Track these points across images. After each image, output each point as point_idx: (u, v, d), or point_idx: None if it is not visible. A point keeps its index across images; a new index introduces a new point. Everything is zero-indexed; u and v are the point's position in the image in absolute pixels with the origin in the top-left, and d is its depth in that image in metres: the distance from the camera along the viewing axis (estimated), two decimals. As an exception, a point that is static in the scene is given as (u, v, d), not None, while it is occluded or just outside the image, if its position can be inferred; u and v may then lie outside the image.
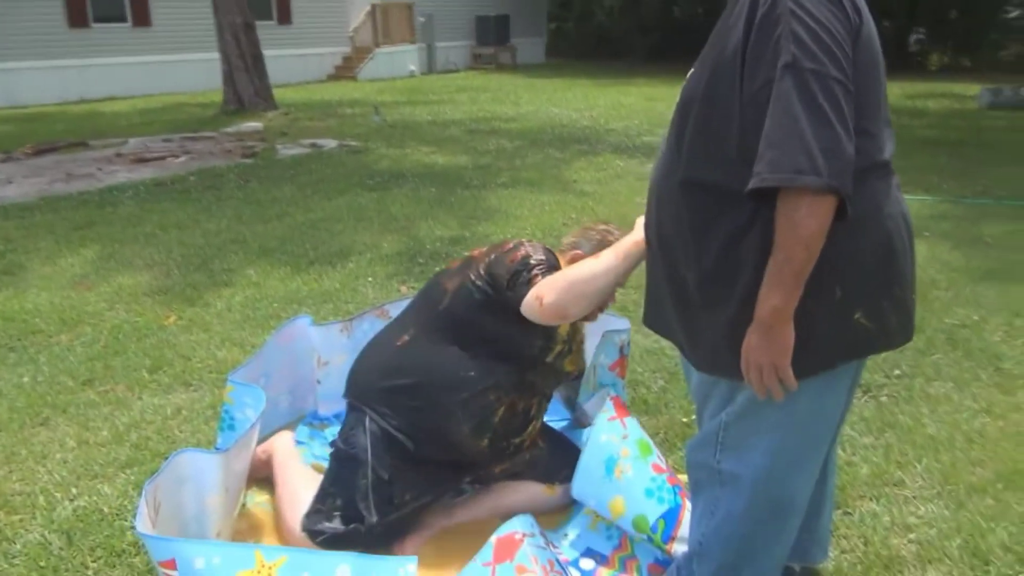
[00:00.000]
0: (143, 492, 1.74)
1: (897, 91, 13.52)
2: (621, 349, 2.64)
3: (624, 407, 2.26)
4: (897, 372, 3.04)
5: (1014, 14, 19.95)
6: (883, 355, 3.14)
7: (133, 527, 1.99)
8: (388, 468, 2.04)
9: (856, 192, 1.31)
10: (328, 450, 2.27)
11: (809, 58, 1.28)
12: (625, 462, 2.02)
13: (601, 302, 1.99)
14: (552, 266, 2.03)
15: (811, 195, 1.27)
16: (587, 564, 2.04)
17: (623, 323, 2.67)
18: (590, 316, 2.03)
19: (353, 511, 2.03)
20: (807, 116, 1.27)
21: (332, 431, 2.65)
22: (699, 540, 1.69)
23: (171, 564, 1.54)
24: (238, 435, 2.04)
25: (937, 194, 5.93)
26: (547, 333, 2.10)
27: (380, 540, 2.03)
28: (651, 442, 2.15)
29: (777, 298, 1.33)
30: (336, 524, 2.03)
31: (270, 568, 1.52)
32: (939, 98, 12.46)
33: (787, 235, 1.30)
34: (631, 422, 2.17)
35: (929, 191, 6.02)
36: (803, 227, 1.29)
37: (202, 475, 1.89)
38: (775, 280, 1.33)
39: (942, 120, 9.93)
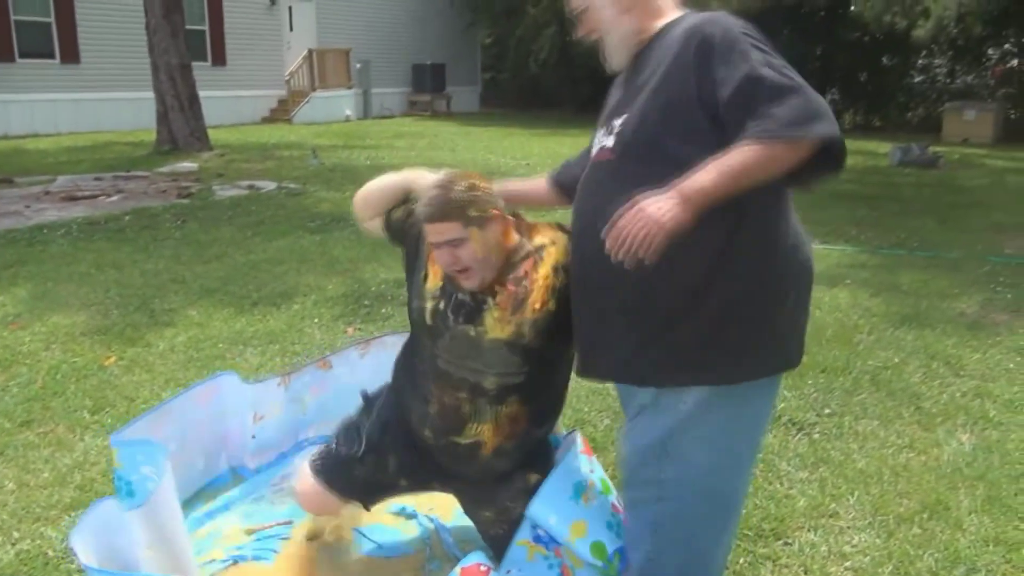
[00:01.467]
0: (70, 543, 1.73)
1: (815, 147, 14.26)
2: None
3: (589, 448, 2.32)
4: (827, 411, 3.21)
5: (919, 79, 21.32)
6: (814, 394, 3.34)
7: (83, 569, 1.96)
8: (385, 421, 2.13)
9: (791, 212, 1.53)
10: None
11: (773, 57, 1.51)
12: (592, 491, 2.08)
13: (380, 207, 2.12)
14: None
15: (814, 142, 1.46)
16: None
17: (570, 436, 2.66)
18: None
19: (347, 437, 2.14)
20: (800, 86, 1.47)
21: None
22: (647, 557, 1.75)
23: None
24: (145, 498, 1.96)
25: (856, 244, 6.29)
26: (417, 291, 2.00)
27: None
28: (611, 484, 2.21)
29: (710, 181, 1.44)
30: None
31: None
32: (854, 155, 13.12)
33: (763, 151, 1.44)
34: (595, 462, 2.23)
35: (848, 242, 6.37)
36: (783, 159, 1.46)
37: (126, 527, 1.86)
38: (723, 166, 1.45)
39: (858, 175, 10.49)
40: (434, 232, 1.84)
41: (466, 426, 1.93)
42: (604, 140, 1.71)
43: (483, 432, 1.93)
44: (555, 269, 1.88)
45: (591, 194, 1.72)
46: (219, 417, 2.55)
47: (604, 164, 1.69)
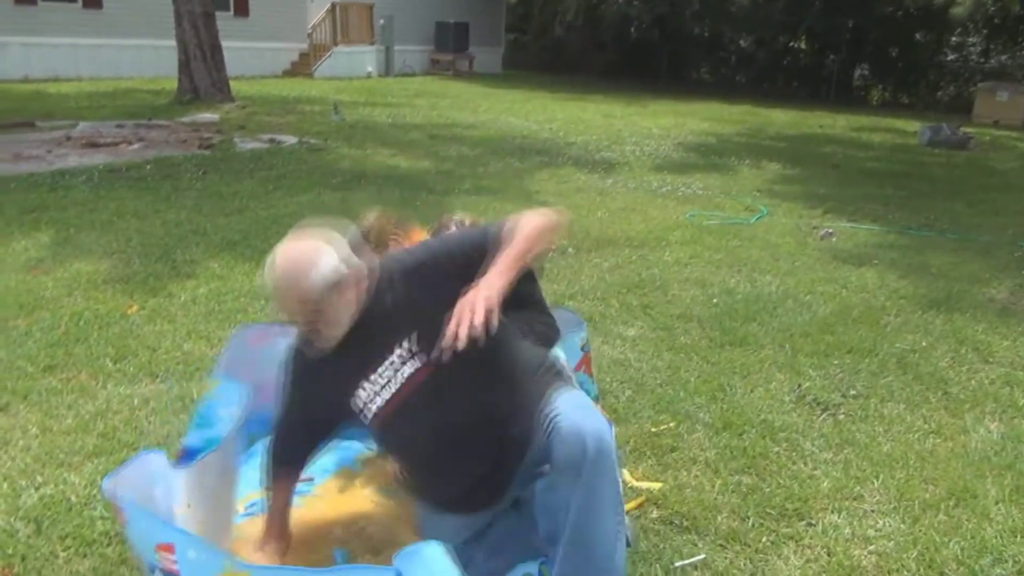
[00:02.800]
0: (103, 488, 1.73)
1: (843, 123, 14.04)
2: (582, 347, 2.72)
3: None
4: (853, 392, 3.17)
5: (951, 57, 20.87)
6: (839, 375, 3.30)
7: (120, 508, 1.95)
8: None
9: None
10: None
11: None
12: None
13: None
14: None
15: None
16: None
17: (578, 322, 2.71)
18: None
19: None
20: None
21: None
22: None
23: (170, 548, 1.54)
24: (214, 435, 1.99)
25: (883, 224, 6.19)
26: None
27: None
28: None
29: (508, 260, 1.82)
30: None
31: None
32: (882, 132, 12.96)
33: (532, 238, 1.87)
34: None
35: (876, 221, 6.27)
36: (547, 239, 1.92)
37: (167, 481, 1.86)
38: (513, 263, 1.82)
39: (887, 154, 10.34)
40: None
41: None
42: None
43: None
44: None
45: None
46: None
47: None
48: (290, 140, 8.64)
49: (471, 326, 1.67)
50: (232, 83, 12.14)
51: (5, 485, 2.33)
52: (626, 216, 6.00)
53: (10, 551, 2.04)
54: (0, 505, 2.23)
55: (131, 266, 4.28)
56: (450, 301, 1.75)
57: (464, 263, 1.87)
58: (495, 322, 1.69)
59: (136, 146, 7.87)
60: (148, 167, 6.86)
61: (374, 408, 1.91)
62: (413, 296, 1.91)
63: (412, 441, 1.94)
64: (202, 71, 11.40)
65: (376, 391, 1.90)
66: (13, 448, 2.53)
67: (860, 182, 8.02)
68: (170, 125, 9.36)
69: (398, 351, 1.88)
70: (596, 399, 2.77)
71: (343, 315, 1.85)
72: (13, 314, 3.56)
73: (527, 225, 1.90)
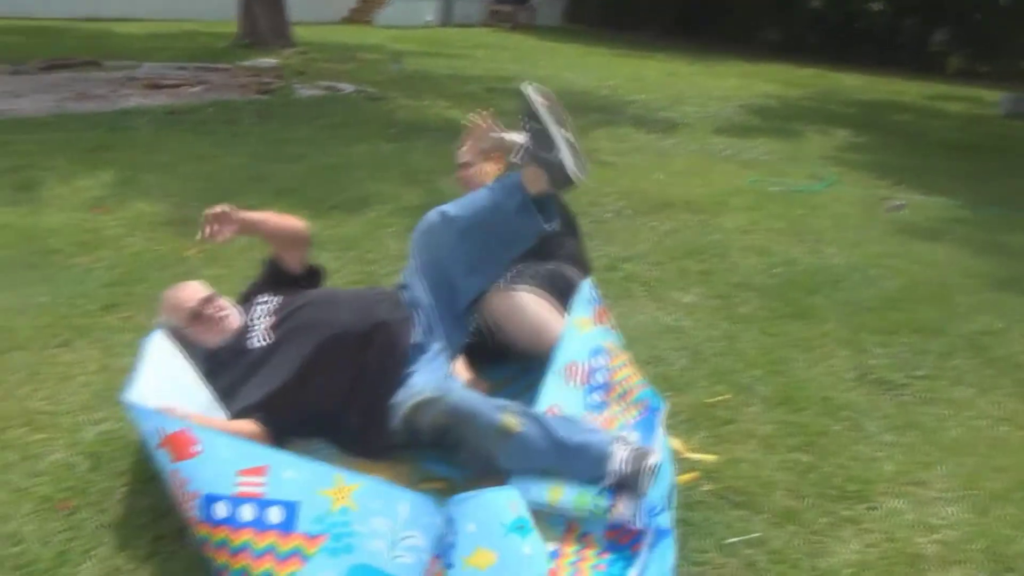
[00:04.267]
0: (162, 424, 1.80)
1: (918, 90, 13.46)
2: (592, 300, 2.65)
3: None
4: (919, 373, 3.05)
5: (1037, 24, 19.76)
6: (905, 354, 3.17)
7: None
8: None
9: None
10: None
11: None
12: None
13: None
14: None
15: None
16: None
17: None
18: None
19: None
20: None
21: None
22: None
23: (260, 471, 1.57)
24: None
25: (957, 198, 5.92)
26: None
27: None
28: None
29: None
30: None
31: (347, 490, 1.65)
32: (959, 101, 12.40)
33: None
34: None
35: (949, 194, 6.00)
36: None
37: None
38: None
39: (964, 124, 9.89)
40: (459, 155, 2.84)
41: None
42: None
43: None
44: None
45: None
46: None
47: None
48: (348, 88, 8.61)
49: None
50: (292, 28, 12.11)
51: (66, 419, 2.37)
52: (686, 179, 5.85)
53: (69, 485, 2.08)
54: (60, 439, 2.28)
55: (190, 209, 4.30)
56: None
57: None
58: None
59: (197, 89, 7.92)
60: (208, 110, 6.90)
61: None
62: None
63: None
64: (263, 15, 11.39)
65: None
66: (74, 383, 2.57)
67: (934, 153, 7.68)
68: (231, 69, 9.39)
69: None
70: (623, 346, 2.67)
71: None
72: (76, 252, 3.62)
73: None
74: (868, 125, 9.10)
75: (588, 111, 8.53)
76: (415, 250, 2.40)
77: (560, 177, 2.13)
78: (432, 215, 2.33)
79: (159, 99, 7.27)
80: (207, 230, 2.23)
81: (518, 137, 2.29)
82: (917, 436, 2.61)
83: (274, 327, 2.27)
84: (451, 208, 2.30)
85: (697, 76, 12.77)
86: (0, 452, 2.20)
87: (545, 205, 2.24)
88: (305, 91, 8.26)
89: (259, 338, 2.26)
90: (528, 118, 2.11)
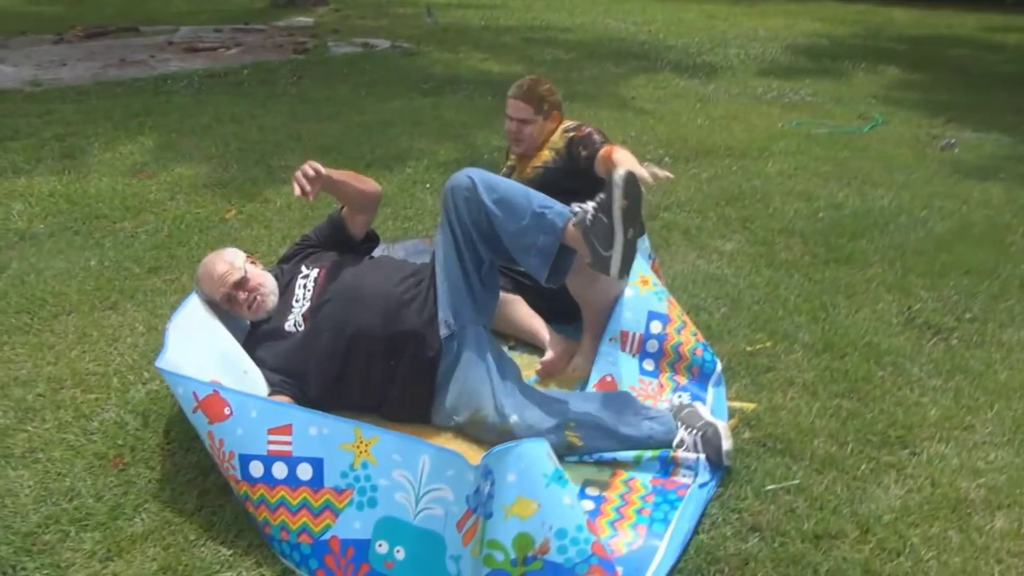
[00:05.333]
0: (191, 391, 1.84)
1: (973, 23, 12.85)
2: (649, 255, 2.72)
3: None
4: (968, 316, 2.97)
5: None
6: (954, 297, 3.08)
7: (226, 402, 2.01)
8: None
9: None
10: None
11: None
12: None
13: None
14: None
15: None
16: (588, 505, 1.93)
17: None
18: None
19: None
20: None
21: None
22: None
23: (287, 429, 1.61)
24: None
25: (1014, 135, 5.68)
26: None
27: None
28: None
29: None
30: None
31: (367, 444, 1.67)
32: (1018, 33, 11.81)
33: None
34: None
35: (1006, 131, 5.76)
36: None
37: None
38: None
39: (1020, 55, 9.44)
40: (513, 108, 2.76)
41: None
42: None
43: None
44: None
45: None
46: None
47: None
48: (383, 44, 8.55)
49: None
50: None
51: (115, 380, 2.45)
52: (727, 124, 5.71)
53: (120, 442, 2.16)
54: (111, 398, 2.36)
55: (229, 171, 4.36)
56: None
57: None
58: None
59: (234, 51, 7.94)
60: (245, 72, 6.93)
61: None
62: None
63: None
64: (297, -26, 11.31)
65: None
66: (122, 344, 2.65)
67: (990, 88, 7.36)
68: (266, 29, 9.39)
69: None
70: (664, 298, 2.67)
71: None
72: (121, 216, 3.70)
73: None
74: (919, 62, 8.74)
75: (627, 58, 8.35)
76: (443, 207, 2.35)
77: (599, 268, 2.05)
78: (463, 179, 2.21)
79: (197, 62, 7.32)
80: (297, 188, 2.22)
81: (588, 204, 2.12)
82: (964, 380, 2.55)
83: (308, 315, 2.29)
84: (485, 194, 2.16)
85: (739, 17, 12.36)
86: (55, 412, 2.28)
87: (563, 265, 2.16)
88: (340, 49, 8.23)
89: (296, 322, 2.28)
90: (601, 208, 2.01)
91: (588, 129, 2.72)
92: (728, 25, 11.27)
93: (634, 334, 2.39)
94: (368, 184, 2.51)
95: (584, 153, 2.63)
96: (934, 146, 5.28)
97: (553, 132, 2.80)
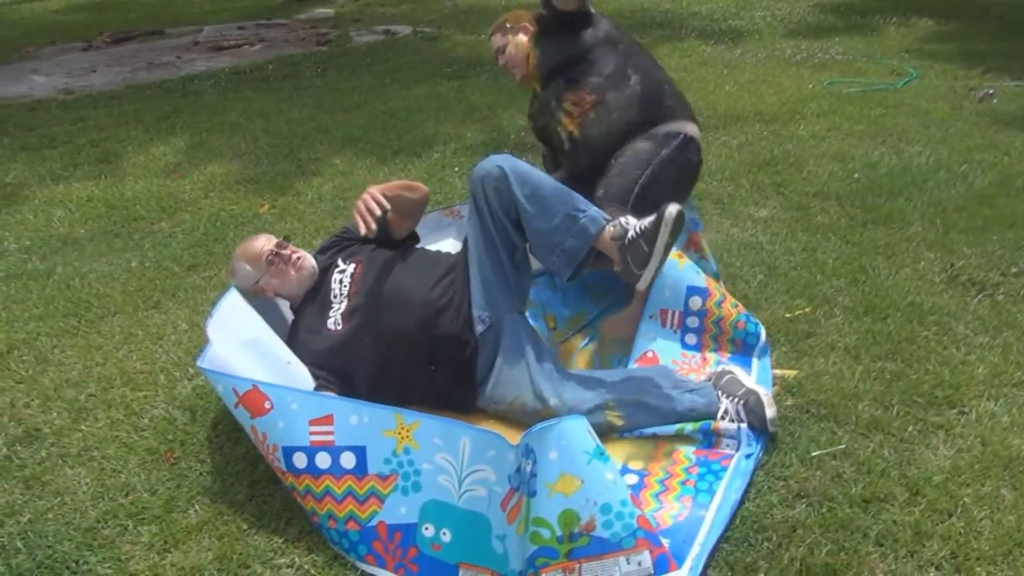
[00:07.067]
0: (234, 386, 1.86)
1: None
2: (694, 224, 2.73)
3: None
4: (1015, 270, 2.89)
5: None
6: (999, 251, 3.01)
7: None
8: None
9: None
10: None
11: None
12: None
13: None
14: None
15: None
16: (631, 479, 1.94)
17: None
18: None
19: None
20: None
21: None
22: None
23: (328, 420, 1.64)
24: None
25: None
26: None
27: None
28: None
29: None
30: None
31: (408, 429, 1.69)
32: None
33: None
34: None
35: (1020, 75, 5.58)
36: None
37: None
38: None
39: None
40: (491, 45, 2.81)
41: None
42: None
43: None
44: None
45: None
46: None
47: None
48: (404, 30, 8.54)
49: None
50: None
51: (162, 377, 2.51)
52: (756, 89, 5.61)
53: (171, 437, 2.21)
54: (159, 395, 2.41)
55: (260, 166, 4.41)
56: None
57: None
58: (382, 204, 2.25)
59: (258, 47, 8.00)
60: (270, 67, 6.98)
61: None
62: None
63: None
64: (315, -35, 11.32)
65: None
66: (166, 342, 2.71)
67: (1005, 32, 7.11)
68: (288, 23, 9.44)
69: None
70: (716, 276, 2.68)
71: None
72: (158, 217, 3.77)
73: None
74: (953, 11, 8.47)
75: (651, 27, 8.23)
76: (472, 196, 2.27)
77: (627, 279, 2.07)
78: (494, 168, 2.16)
79: (223, 61, 7.39)
80: (362, 224, 2.24)
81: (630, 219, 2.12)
82: (1012, 335, 2.49)
83: (346, 315, 2.25)
84: (516, 187, 2.14)
85: None
86: (107, 411, 2.35)
87: (585, 266, 2.17)
88: (362, 38, 8.25)
89: (336, 321, 2.25)
90: (644, 236, 2.01)
91: None
92: (753, -13, 11.04)
93: (674, 312, 2.37)
94: (418, 191, 2.50)
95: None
96: (971, 98, 5.13)
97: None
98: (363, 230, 2.24)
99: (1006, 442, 2.03)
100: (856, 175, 3.87)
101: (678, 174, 2.60)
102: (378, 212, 2.24)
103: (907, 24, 7.89)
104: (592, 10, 2.62)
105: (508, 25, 2.76)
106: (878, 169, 3.94)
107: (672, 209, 1.96)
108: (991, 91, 5.17)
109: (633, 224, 2.04)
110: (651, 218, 1.99)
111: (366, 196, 2.27)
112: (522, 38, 2.71)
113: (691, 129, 2.64)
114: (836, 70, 6.10)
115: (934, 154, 4.10)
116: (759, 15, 8.68)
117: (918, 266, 2.96)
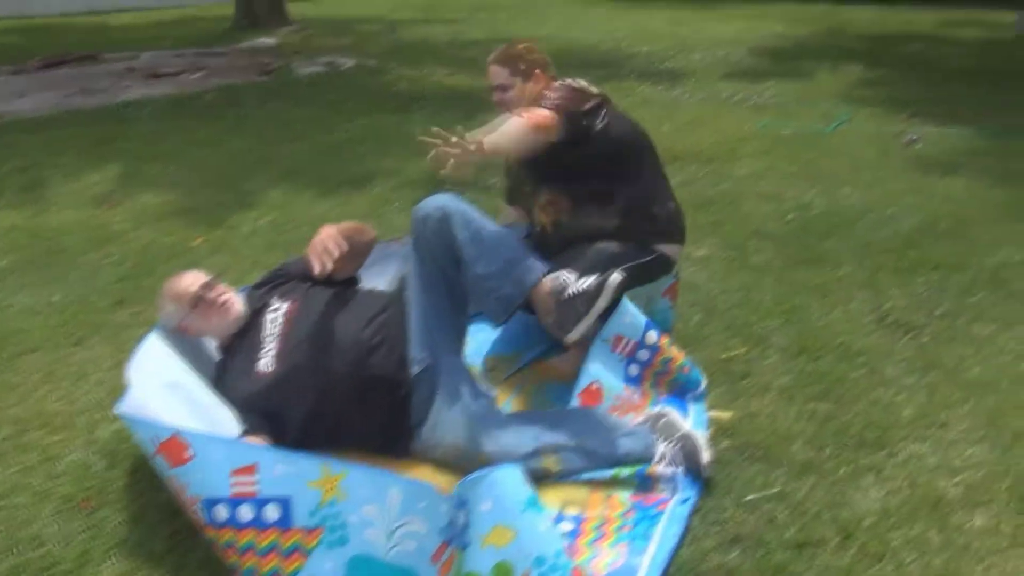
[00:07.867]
0: (155, 433, 1.79)
1: (928, 19, 13.07)
2: (675, 273, 2.69)
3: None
4: (939, 312, 2.99)
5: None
6: (924, 293, 3.10)
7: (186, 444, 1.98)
8: None
9: None
10: None
11: None
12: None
13: None
14: None
15: None
16: (567, 526, 1.89)
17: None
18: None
19: None
20: None
21: None
22: None
23: (252, 469, 1.58)
24: None
25: (975, 127, 5.75)
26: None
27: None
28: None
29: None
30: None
31: (334, 480, 1.64)
32: (974, 26, 12.01)
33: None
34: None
35: (966, 124, 5.84)
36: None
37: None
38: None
39: (979, 49, 9.59)
40: (491, 74, 2.54)
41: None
42: None
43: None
44: None
45: None
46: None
47: None
48: (348, 62, 8.52)
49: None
50: (289, 4, 11.98)
51: (82, 419, 2.39)
52: (694, 129, 5.74)
53: (88, 484, 2.11)
54: (78, 439, 2.30)
55: (196, 197, 4.31)
56: None
57: None
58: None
59: (197, 75, 7.88)
60: (210, 96, 6.87)
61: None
62: None
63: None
64: (259, -5, 11.27)
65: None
66: (88, 382, 2.59)
67: (949, 82, 7.46)
68: (229, 52, 9.33)
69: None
70: (669, 329, 2.68)
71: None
72: (85, 248, 3.64)
73: None
74: (880, 59, 8.85)
75: (591, 67, 8.36)
76: (413, 235, 2.26)
77: (556, 332, 2.13)
78: (435, 210, 2.17)
79: (160, 88, 7.25)
80: (318, 265, 2.19)
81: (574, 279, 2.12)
82: (937, 377, 2.56)
83: (280, 356, 2.18)
84: (458, 229, 2.14)
85: (704, 22, 12.47)
86: (20, 455, 2.23)
87: (514, 312, 2.20)
88: (305, 69, 8.19)
89: (267, 363, 2.18)
90: (582, 297, 2.04)
91: (555, 85, 2.45)
92: (692, 30, 11.36)
93: (628, 340, 2.32)
94: (368, 235, 2.47)
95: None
96: (898, 142, 5.34)
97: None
98: (318, 269, 2.20)
99: (933, 483, 2.07)
100: (789, 216, 3.97)
101: (639, 276, 2.44)
102: (336, 253, 2.19)
103: (838, 70, 8.20)
104: (596, 127, 2.44)
105: (522, 67, 2.52)
106: (811, 210, 4.05)
107: (617, 276, 1.97)
108: (915, 137, 5.39)
109: (573, 283, 2.04)
110: (594, 279, 2.00)
111: (324, 235, 2.22)
112: (533, 88, 2.48)
113: (670, 251, 2.58)
114: (771, 112, 6.29)
115: (863, 196, 4.23)
116: (697, 57, 8.92)
117: (849, 306, 3.03)
